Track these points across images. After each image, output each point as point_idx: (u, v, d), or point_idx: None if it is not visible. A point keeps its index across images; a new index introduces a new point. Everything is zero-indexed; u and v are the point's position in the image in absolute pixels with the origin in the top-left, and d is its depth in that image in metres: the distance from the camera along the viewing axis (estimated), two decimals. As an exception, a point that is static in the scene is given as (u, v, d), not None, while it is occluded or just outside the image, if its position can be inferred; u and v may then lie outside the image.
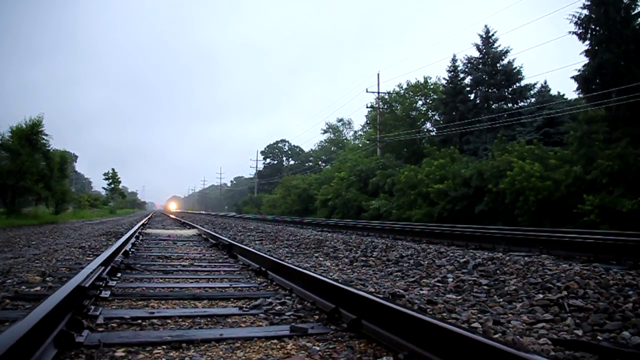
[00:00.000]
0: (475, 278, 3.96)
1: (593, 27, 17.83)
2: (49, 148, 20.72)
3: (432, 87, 35.07)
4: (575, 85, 18.16)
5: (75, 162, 77.88)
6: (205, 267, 5.03)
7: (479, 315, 2.76)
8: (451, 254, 5.43)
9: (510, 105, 27.20)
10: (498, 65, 27.67)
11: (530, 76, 38.90)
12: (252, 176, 75.52)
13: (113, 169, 52.68)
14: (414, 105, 35.78)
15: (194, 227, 13.56)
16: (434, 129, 32.24)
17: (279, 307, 2.94)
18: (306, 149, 70.66)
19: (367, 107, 37.30)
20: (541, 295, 3.14)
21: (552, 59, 53.68)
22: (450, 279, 4.01)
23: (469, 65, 28.85)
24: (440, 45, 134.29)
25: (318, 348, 2.12)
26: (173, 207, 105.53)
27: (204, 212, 64.22)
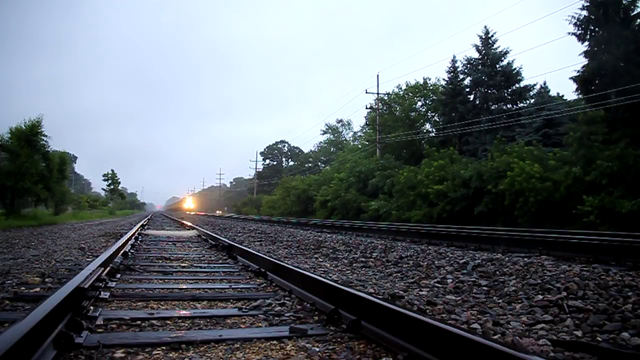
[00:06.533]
0: (474, 279, 3.96)
1: (592, 28, 17.85)
2: (49, 149, 20.76)
3: (431, 88, 35.08)
4: (574, 86, 18.16)
5: (75, 163, 77.88)
6: (204, 268, 5.03)
7: (479, 316, 2.76)
8: (450, 255, 5.43)
9: (509, 106, 27.20)
10: (497, 66, 27.67)
11: (530, 77, 38.85)
12: (251, 177, 75.42)
13: (112, 170, 52.76)
14: (414, 106, 35.80)
15: (193, 229, 13.57)
16: (434, 130, 32.26)
17: (279, 308, 2.94)
18: (309, 150, 70.64)
19: (366, 108, 37.32)
20: (540, 296, 3.14)
21: (551, 60, 53.78)
22: (450, 280, 4.01)
23: (468, 66, 28.86)
24: (439, 46, 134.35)
25: (317, 349, 2.12)
26: (190, 205, 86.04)
27: (219, 212, 59.20)
